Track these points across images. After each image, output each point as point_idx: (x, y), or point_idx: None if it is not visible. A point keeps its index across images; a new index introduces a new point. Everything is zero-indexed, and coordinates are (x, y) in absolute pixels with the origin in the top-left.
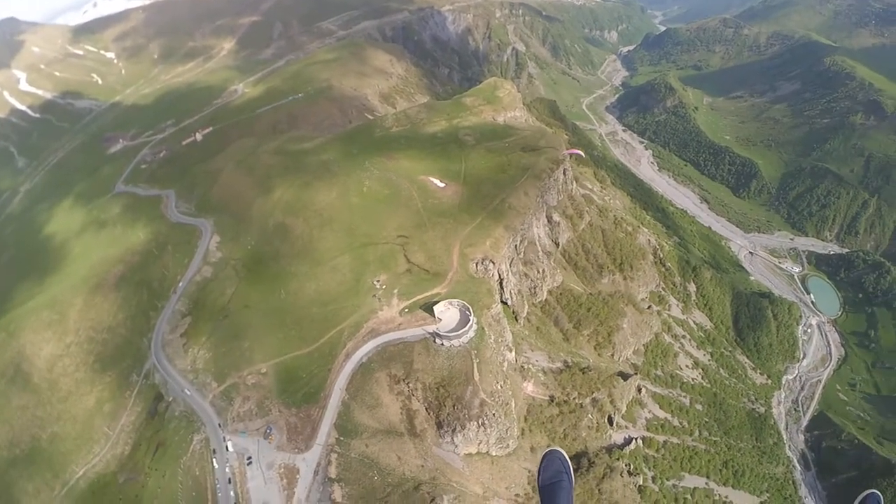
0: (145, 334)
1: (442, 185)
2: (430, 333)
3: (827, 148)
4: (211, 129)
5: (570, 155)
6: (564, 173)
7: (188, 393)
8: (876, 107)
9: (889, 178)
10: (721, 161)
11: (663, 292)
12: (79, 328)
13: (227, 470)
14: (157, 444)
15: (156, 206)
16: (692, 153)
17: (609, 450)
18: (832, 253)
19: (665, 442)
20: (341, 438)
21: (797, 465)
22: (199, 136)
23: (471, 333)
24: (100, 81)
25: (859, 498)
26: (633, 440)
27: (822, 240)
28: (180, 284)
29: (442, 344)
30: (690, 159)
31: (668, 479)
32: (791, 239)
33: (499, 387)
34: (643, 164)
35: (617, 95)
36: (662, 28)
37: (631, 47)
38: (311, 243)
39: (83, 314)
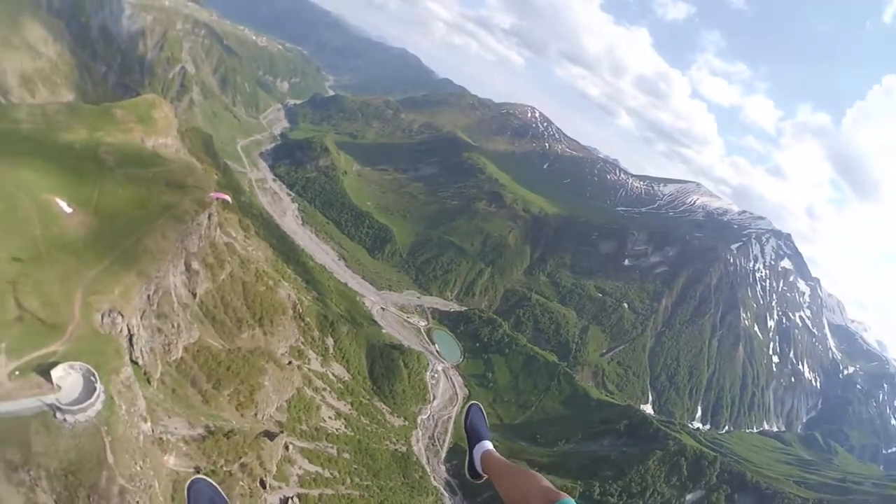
0: None
1: (69, 210)
2: (48, 406)
3: (454, 224)
4: None
5: (218, 198)
6: (209, 218)
7: None
8: (497, 197)
9: (502, 254)
10: (361, 224)
11: (303, 346)
12: None
13: None
14: None
15: None
16: (336, 213)
17: None
18: (453, 310)
19: (321, 495)
20: None
21: (444, 492)
22: None
23: (98, 406)
24: None
25: (465, 410)
26: (289, 500)
27: (445, 299)
28: None
29: (64, 419)
30: (333, 218)
31: None
32: (418, 297)
33: (138, 467)
34: (288, 215)
35: (274, 144)
36: (332, 92)
37: (298, 101)
38: None
39: None
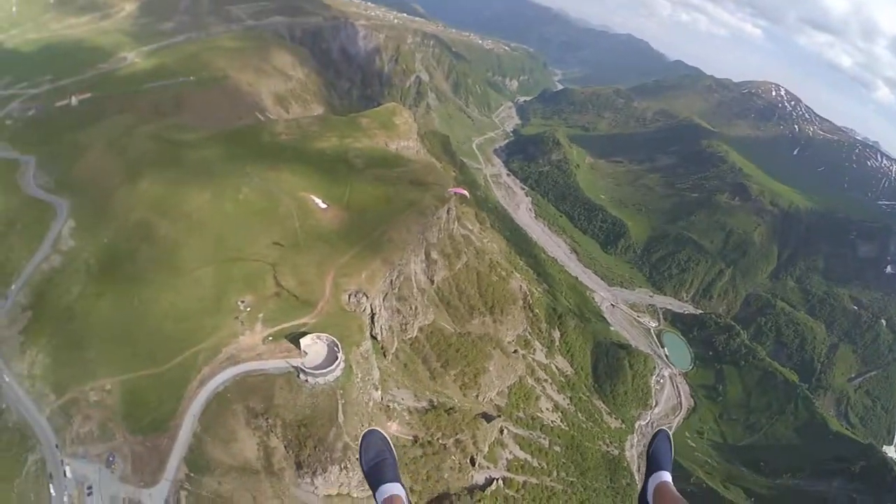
0: None
1: (324, 206)
2: (294, 367)
3: (692, 219)
4: (90, 95)
5: (456, 193)
6: (448, 212)
7: (24, 401)
8: (742, 189)
9: (745, 253)
10: (594, 217)
11: (529, 337)
12: None
13: (65, 499)
14: None
15: (12, 173)
16: (568, 206)
17: (470, 490)
18: (687, 312)
19: (525, 482)
20: (191, 474)
21: None
22: (74, 101)
23: (337, 372)
24: None
25: (652, 435)
26: (494, 481)
27: (679, 300)
28: (25, 271)
29: (306, 380)
30: (566, 211)
31: None
32: (650, 296)
33: (364, 429)
34: (521, 209)
35: (507, 140)
36: (560, 86)
37: (528, 98)
38: (175, 249)
39: None
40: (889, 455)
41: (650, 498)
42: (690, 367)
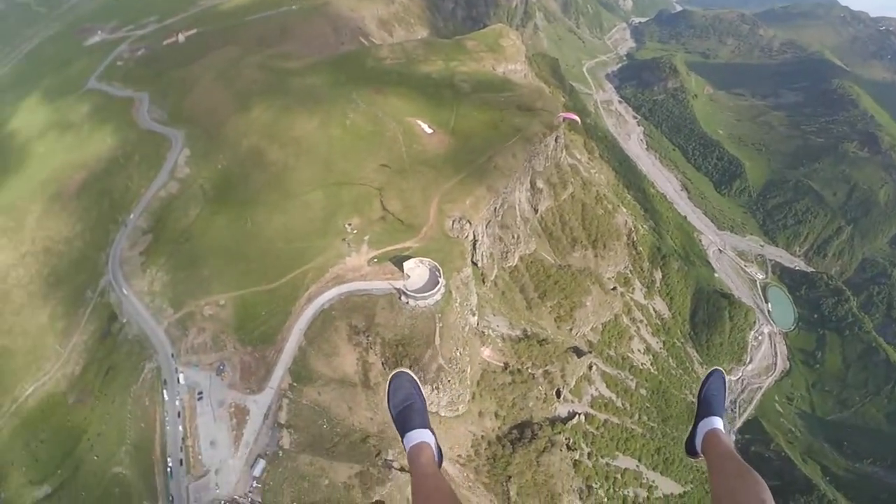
0: (103, 249)
1: (430, 131)
2: (396, 289)
3: (816, 167)
4: (195, 31)
5: (566, 119)
6: (556, 140)
7: (143, 316)
8: (872, 139)
9: (868, 211)
10: (709, 154)
11: (630, 275)
12: (35, 238)
13: (177, 403)
14: (108, 367)
15: (127, 110)
16: (683, 139)
17: (552, 422)
18: (797, 268)
19: (606, 421)
20: (294, 384)
21: None
22: (181, 38)
23: (438, 297)
24: None
25: (706, 375)
26: (577, 415)
27: (791, 253)
28: (144, 198)
29: (407, 302)
30: (680, 145)
31: (602, 457)
32: (761, 245)
33: (458, 353)
34: (632, 139)
35: (619, 65)
36: (679, 7)
37: (643, 19)
38: (285, 173)
39: (41, 223)
40: None
41: (699, 445)
42: (792, 328)
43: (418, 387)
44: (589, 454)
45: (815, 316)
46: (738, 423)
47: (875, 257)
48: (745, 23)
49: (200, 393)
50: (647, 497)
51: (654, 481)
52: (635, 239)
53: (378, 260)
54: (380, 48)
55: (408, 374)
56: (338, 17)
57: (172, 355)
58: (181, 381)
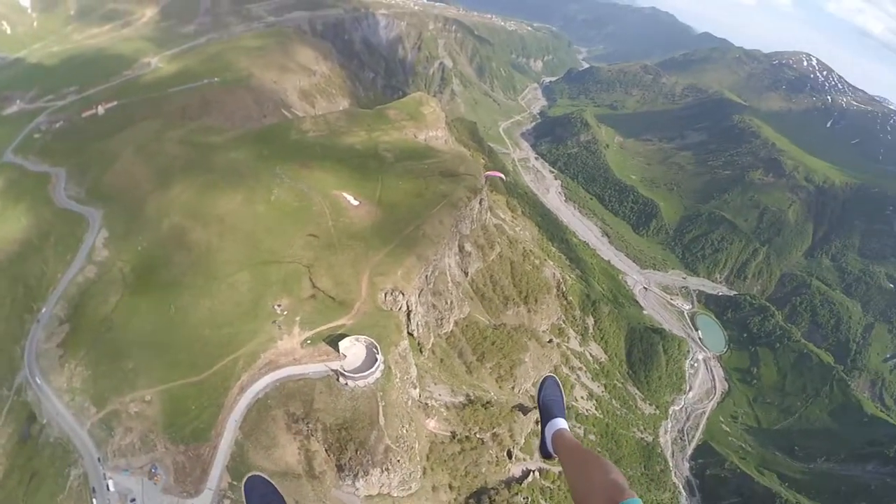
0: (18, 341)
1: (356, 203)
2: (333, 371)
3: (725, 198)
4: (116, 103)
5: (490, 178)
6: (480, 203)
7: (64, 416)
8: (776, 165)
9: (780, 231)
10: (625, 199)
11: (563, 325)
12: None
13: None
14: (31, 473)
15: (43, 186)
16: (599, 188)
17: (508, 484)
18: (721, 294)
19: (561, 473)
20: (234, 482)
21: (682, 490)
22: (101, 110)
23: (377, 374)
24: (9, 31)
25: (540, 382)
26: (531, 472)
27: (713, 281)
28: (60, 284)
29: (346, 384)
30: (596, 193)
31: None
32: (684, 278)
33: (404, 431)
34: (551, 193)
35: (534, 123)
36: (586, 65)
37: (553, 78)
38: (209, 253)
39: None
40: None
41: (550, 447)
42: (725, 350)
43: (274, 487)
44: None
45: (745, 335)
46: (690, 451)
47: (793, 271)
48: (648, 73)
49: (133, 500)
50: None
51: None
52: (565, 289)
53: (312, 341)
54: (303, 120)
55: (261, 476)
56: (260, 90)
57: (99, 459)
58: (111, 488)
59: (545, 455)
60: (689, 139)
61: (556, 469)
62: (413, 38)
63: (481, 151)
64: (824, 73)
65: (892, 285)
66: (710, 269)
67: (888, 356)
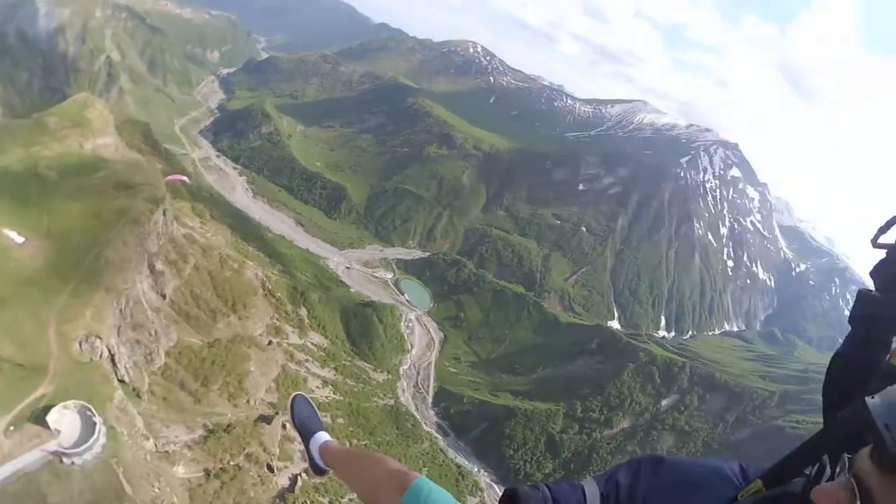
0: None
1: (21, 240)
2: (52, 453)
3: (407, 172)
4: None
5: (174, 181)
6: (165, 214)
7: None
8: (448, 139)
9: (458, 195)
10: (313, 186)
11: (278, 323)
12: None
13: None
14: None
15: None
16: (286, 179)
17: (282, 497)
18: (417, 258)
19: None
20: None
21: (437, 435)
22: None
23: (102, 439)
24: None
25: (289, 405)
26: (298, 476)
27: (408, 248)
28: None
29: (73, 462)
30: (284, 185)
31: (343, 497)
32: (381, 250)
33: (156, 489)
34: (238, 190)
35: (212, 119)
36: (265, 55)
37: (231, 70)
38: None
39: None
40: (615, 328)
41: (319, 462)
42: (431, 305)
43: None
44: (331, 501)
45: (446, 288)
46: (430, 399)
47: (474, 226)
48: (327, 62)
49: None
50: None
51: None
52: (271, 287)
53: (15, 426)
54: None
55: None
56: None
57: None
58: None
59: (318, 472)
60: (369, 123)
61: None
62: (77, 29)
63: (157, 155)
64: (487, 57)
65: (558, 221)
66: (403, 237)
67: (567, 276)
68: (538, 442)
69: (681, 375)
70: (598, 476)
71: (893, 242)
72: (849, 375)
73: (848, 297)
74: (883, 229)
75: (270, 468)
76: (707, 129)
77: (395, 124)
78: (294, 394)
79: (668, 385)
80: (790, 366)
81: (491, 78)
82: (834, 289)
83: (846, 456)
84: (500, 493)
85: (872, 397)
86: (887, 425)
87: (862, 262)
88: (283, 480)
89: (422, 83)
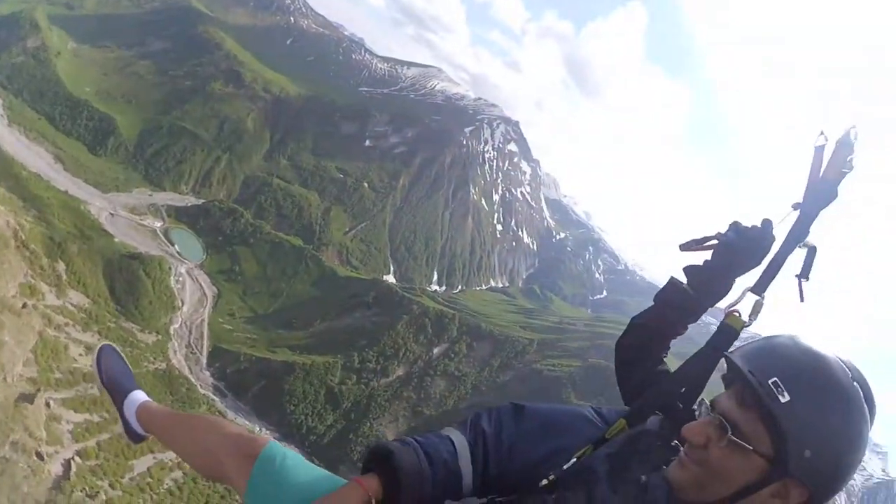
0: None
1: None
2: None
3: (187, 108)
4: None
5: None
6: None
7: None
8: (236, 77)
9: (240, 139)
10: (78, 116)
11: (33, 281)
12: None
13: None
14: None
15: None
16: (48, 105)
17: (57, 486)
18: (190, 205)
19: (98, 443)
20: None
21: (214, 397)
22: None
23: None
24: None
25: (94, 359)
26: (70, 461)
27: (180, 193)
28: None
29: None
30: (46, 112)
31: (122, 477)
32: (150, 195)
33: None
34: None
35: None
36: None
37: None
38: None
39: None
40: (391, 282)
41: (136, 427)
42: (204, 257)
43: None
44: (111, 484)
45: (220, 238)
46: (204, 360)
47: (255, 174)
48: None
49: None
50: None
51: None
52: (24, 238)
53: None
54: None
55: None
56: None
57: None
58: None
59: (135, 439)
60: (152, 47)
61: (93, 440)
62: None
63: None
64: None
65: (341, 175)
66: (176, 181)
67: (347, 230)
68: (318, 395)
69: (451, 326)
70: (460, 423)
71: (709, 257)
72: (641, 340)
73: (599, 263)
74: (698, 241)
75: (40, 455)
76: (493, 105)
77: (180, 52)
78: (101, 344)
79: (439, 335)
80: (547, 318)
81: (292, 18)
82: (588, 255)
83: (705, 399)
84: (368, 451)
85: (731, 352)
86: (751, 371)
87: (613, 236)
88: (55, 468)
89: (217, 11)
